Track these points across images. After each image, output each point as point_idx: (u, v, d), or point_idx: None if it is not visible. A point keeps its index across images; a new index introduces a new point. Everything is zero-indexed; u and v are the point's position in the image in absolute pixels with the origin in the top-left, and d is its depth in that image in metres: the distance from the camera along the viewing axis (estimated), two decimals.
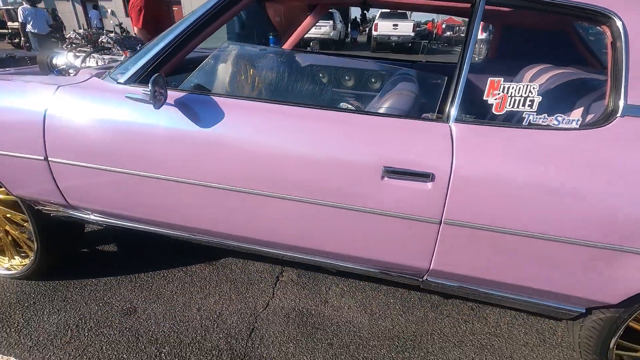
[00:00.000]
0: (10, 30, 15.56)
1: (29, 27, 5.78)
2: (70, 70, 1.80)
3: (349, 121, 1.04)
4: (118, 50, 1.93)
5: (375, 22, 15.17)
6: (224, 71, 1.45)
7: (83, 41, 1.98)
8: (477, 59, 3.63)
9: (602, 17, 0.95)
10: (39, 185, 1.29)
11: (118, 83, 1.18)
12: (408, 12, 14.97)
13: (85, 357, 1.34)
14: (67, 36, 2.01)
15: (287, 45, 2.51)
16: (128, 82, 1.16)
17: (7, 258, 1.73)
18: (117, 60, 1.93)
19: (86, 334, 1.45)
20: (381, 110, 1.22)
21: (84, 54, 1.90)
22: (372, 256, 1.12)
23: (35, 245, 1.58)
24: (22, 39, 6.09)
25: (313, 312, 1.58)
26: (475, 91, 1.18)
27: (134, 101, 1.10)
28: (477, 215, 0.96)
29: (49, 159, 1.21)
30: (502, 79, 0.95)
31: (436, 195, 0.96)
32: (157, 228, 1.36)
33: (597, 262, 0.94)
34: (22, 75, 1.40)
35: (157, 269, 1.82)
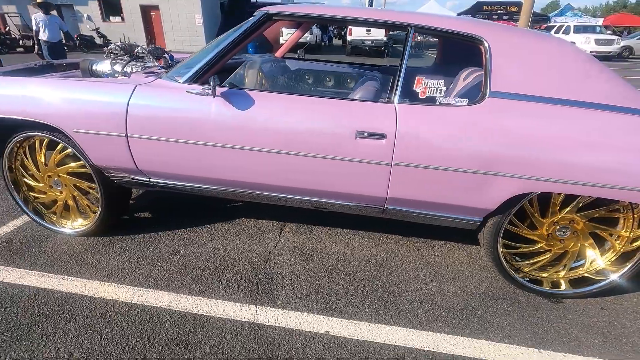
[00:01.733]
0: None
1: (41, 35, 5.88)
2: (116, 75, 2.32)
3: (335, 104, 1.65)
4: (150, 58, 2.46)
5: (349, 27, 16.01)
6: (250, 74, 2.04)
7: (122, 52, 2.49)
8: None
9: (477, 40, 1.61)
10: (117, 156, 1.82)
11: (178, 82, 1.74)
12: None
13: (150, 278, 1.88)
14: (109, 48, 2.51)
15: (279, 53, 3.11)
16: (187, 81, 1.73)
17: (70, 220, 2.24)
18: (149, 67, 2.46)
19: (146, 266, 1.98)
20: (356, 97, 1.84)
21: (122, 62, 2.41)
22: (351, 191, 1.72)
23: (100, 207, 2.10)
24: (36, 46, 6.09)
25: (310, 248, 2.18)
26: (411, 85, 1.82)
27: (193, 94, 1.67)
28: (411, 159, 1.58)
29: (128, 135, 1.76)
30: (425, 76, 1.58)
31: (388, 147, 1.58)
32: (201, 185, 1.90)
33: (480, 182, 1.58)
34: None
35: (189, 226, 2.37)
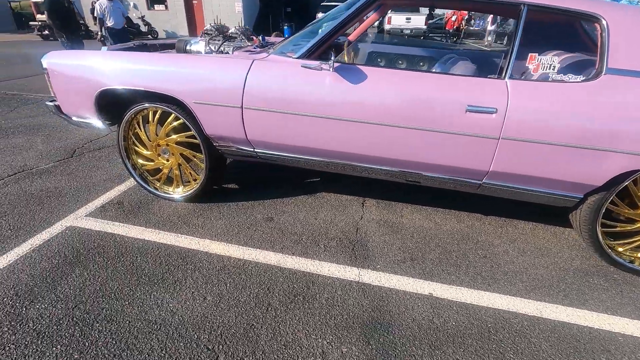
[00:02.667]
0: (39, 23, 16.35)
1: (107, 22, 6.06)
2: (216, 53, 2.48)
3: (446, 80, 1.71)
4: (242, 38, 2.62)
5: (389, 15, 15.76)
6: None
7: (216, 32, 2.66)
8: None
9: (594, 18, 1.62)
10: (230, 127, 1.99)
11: (291, 57, 1.87)
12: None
13: (254, 240, 2.05)
14: (204, 29, 2.69)
15: (352, 37, 3.19)
16: (301, 57, 1.85)
17: (172, 187, 2.45)
18: (242, 47, 2.61)
19: (247, 229, 2.15)
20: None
21: (216, 42, 2.58)
22: (453, 164, 1.79)
23: (203, 175, 2.28)
24: (99, 33, 6.33)
25: (395, 221, 2.28)
26: (521, 61, 1.85)
27: (308, 69, 1.80)
28: (521, 133, 1.63)
29: (243, 107, 1.91)
30: (538, 52, 1.62)
31: (497, 122, 1.64)
32: (304, 156, 2.03)
33: (590, 158, 1.61)
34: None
35: (275, 197, 2.53)
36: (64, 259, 1.85)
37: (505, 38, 17.73)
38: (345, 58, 2.07)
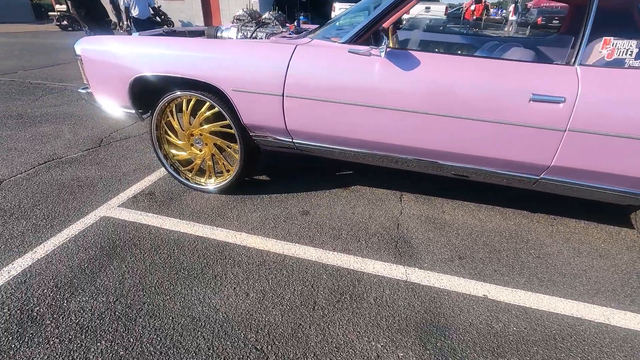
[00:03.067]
0: (58, 13, 16.51)
1: (132, 12, 6.04)
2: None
3: (507, 66, 1.58)
4: (276, 24, 2.51)
5: None
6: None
7: (249, 18, 2.56)
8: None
9: None
10: (269, 115, 1.90)
11: (337, 42, 1.76)
12: None
13: (291, 234, 1.97)
14: (236, 14, 2.59)
15: (387, 24, 3.04)
16: (347, 41, 1.74)
17: (204, 178, 2.38)
18: (274, 33, 2.51)
19: (283, 223, 2.08)
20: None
21: (249, 29, 2.48)
22: (510, 158, 1.67)
23: (238, 166, 2.21)
24: (125, 23, 6.27)
25: (437, 217, 2.18)
26: (593, 47, 1.70)
27: (356, 54, 1.69)
28: (592, 125, 1.50)
29: (285, 94, 1.82)
30: (613, 37, 1.47)
31: (565, 112, 1.50)
32: (345, 147, 1.92)
33: None
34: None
35: (309, 190, 2.44)
36: (100, 250, 1.81)
37: (528, 28, 17.16)
38: (390, 44, 1.94)
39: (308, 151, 2.06)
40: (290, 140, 2.01)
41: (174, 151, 2.37)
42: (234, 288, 1.59)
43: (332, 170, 2.76)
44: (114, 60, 2.05)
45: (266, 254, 1.82)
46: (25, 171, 2.64)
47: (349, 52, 1.70)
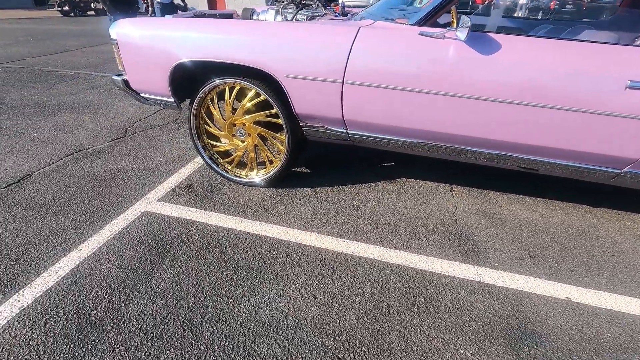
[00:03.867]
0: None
1: None
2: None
3: (599, 49, 1.45)
4: (318, 5, 2.36)
5: None
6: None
7: None
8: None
9: None
10: (325, 104, 1.77)
11: (407, 24, 1.62)
12: None
13: (347, 230, 1.87)
14: None
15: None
16: (417, 23, 1.60)
17: (245, 170, 2.27)
18: (315, 15, 2.36)
19: (335, 218, 1.97)
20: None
21: (291, 11, 2.33)
22: (593, 150, 1.55)
23: (284, 157, 2.09)
24: (150, 8, 6.16)
25: (495, 212, 2.06)
26: None
27: (429, 37, 1.55)
28: None
29: (345, 81, 1.68)
30: None
31: None
32: (407, 138, 1.79)
33: None
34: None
35: (354, 182, 2.33)
36: (149, 248, 1.71)
37: (540, 12, 16.70)
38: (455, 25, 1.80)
39: (362, 142, 1.94)
40: (344, 131, 1.89)
41: (213, 142, 2.25)
42: (299, 290, 1.49)
43: (373, 160, 2.64)
44: (154, 44, 1.91)
45: (324, 252, 1.71)
46: (53, 162, 2.53)
47: (419, 34, 1.56)
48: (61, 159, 2.59)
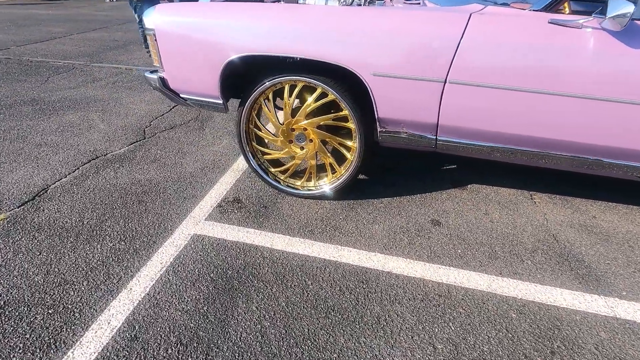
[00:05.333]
0: None
1: None
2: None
3: None
4: None
5: None
6: None
7: None
8: None
9: None
10: (418, 107, 1.48)
11: (528, 10, 1.33)
12: None
13: (435, 253, 1.61)
14: None
15: None
16: (544, 8, 1.31)
17: (302, 180, 1.97)
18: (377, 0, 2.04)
19: (418, 238, 1.71)
20: None
21: None
22: None
23: (353, 165, 1.80)
24: None
25: (592, 225, 1.83)
26: None
27: (559, 26, 1.27)
28: None
29: (448, 80, 1.40)
30: None
31: None
32: (512, 146, 1.53)
33: None
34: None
35: (422, 191, 2.06)
36: (214, 285, 1.42)
37: None
38: (568, 11, 1.52)
39: (448, 150, 1.67)
40: (433, 137, 1.61)
41: (261, 148, 1.94)
42: (412, 337, 1.24)
43: (431, 163, 2.37)
44: (204, 36, 1.57)
45: (422, 284, 1.46)
46: (70, 173, 2.18)
47: (550, 22, 1.28)
48: (78, 168, 2.24)
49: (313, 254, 1.59)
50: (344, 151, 1.81)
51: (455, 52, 1.34)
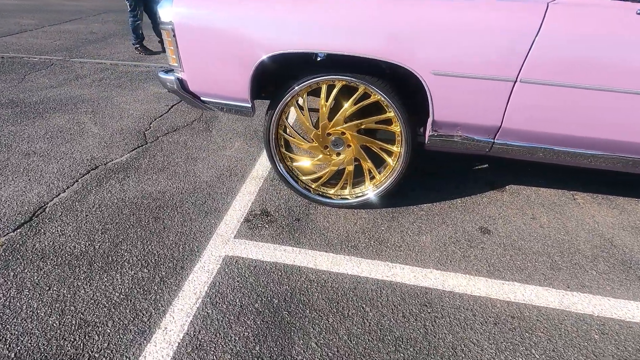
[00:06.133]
0: None
1: None
2: None
3: None
4: None
5: None
6: None
7: None
8: None
9: None
10: (481, 108, 1.33)
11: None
12: None
13: (495, 267, 1.48)
14: None
15: None
16: None
17: (335, 189, 1.80)
18: None
19: (469, 250, 1.58)
20: None
21: None
22: None
23: (398, 170, 1.64)
24: None
25: None
26: None
27: None
28: None
29: (519, 79, 1.25)
30: None
31: None
32: (580, 149, 1.41)
33: None
34: None
35: (459, 195, 1.93)
36: (261, 318, 1.24)
37: None
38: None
39: (503, 153, 1.53)
40: (490, 140, 1.47)
41: (289, 154, 1.76)
42: None
43: (460, 162, 2.24)
44: (232, 31, 1.36)
45: (490, 304, 1.33)
46: (68, 187, 1.93)
47: (638, 13, 1.15)
48: (77, 181, 1.99)
49: (363, 274, 1.44)
50: (385, 156, 1.66)
51: (530, 48, 1.20)
